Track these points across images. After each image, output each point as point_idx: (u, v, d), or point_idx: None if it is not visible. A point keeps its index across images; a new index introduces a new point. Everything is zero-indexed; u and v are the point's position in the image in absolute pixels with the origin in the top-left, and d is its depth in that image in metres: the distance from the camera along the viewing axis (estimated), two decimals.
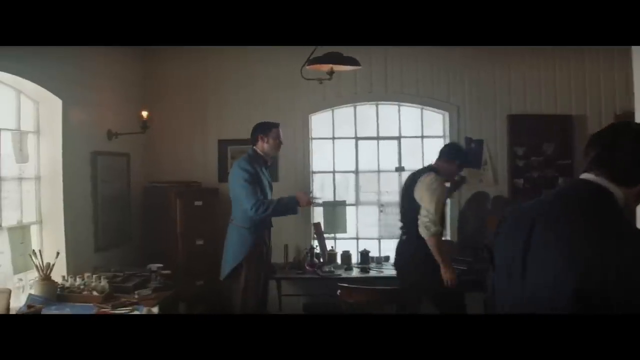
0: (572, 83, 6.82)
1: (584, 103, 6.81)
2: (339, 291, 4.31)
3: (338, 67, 4.88)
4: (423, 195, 4.72)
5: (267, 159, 4.98)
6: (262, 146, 4.91)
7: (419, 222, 4.70)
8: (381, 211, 6.85)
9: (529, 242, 1.82)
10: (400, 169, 6.82)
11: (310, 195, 5.13)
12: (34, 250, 4.38)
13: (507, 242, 2.01)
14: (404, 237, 4.95)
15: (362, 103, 6.92)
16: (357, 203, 6.89)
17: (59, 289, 4.43)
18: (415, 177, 4.92)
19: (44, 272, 4.32)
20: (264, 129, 4.90)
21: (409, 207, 4.86)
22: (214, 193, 6.25)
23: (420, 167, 6.70)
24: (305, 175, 6.74)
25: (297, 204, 4.85)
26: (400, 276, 5.07)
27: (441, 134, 6.94)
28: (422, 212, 4.69)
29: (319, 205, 6.79)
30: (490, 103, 6.80)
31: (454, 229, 6.72)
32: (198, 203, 5.95)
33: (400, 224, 5.11)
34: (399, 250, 5.06)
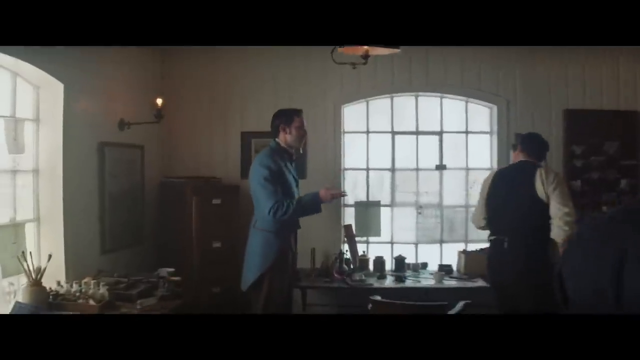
0: (638, 76, 6.07)
1: None
2: (369, 305, 3.86)
3: (374, 50, 4.25)
4: (557, 189, 4.17)
5: (292, 152, 4.34)
6: (285, 138, 4.27)
7: (553, 222, 4.10)
8: (419, 213, 6.24)
9: (623, 259, 1.40)
10: (441, 167, 6.19)
11: (336, 191, 4.39)
12: (22, 251, 3.87)
13: (588, 261, 1.52)
14: (506, 245, 4.25)
15: (400, 94, 6.33)
16: (392, 204, 6.31)
17: (51, 296, 3.92)
18: (524, 170, 4.36)
19: (34, 276, 3.81)
20: (285, 117, 4.26)
21: (520, 206, 4.26)
22: (235, 191, 5.68)
23: (464, 164, 6.21)
24: (335, 172, 6.17)
25: (319, 201, 4.19)
26: (505, 293, 4.34)
27: (487, 129, 6.28)
28: (557, 209, 4.10)
29: (350, 205, 6.20)
30: (544, 96, 6.12)
31: None
32: (216, 201, 5.40)
33: (476, 229, 4.85)
34: (501, 259, 4.31)
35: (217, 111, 6.20)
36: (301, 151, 4.50)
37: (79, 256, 4.52)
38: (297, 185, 4.38)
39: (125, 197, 5.27)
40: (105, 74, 5.02)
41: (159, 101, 5.17)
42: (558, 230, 4.06)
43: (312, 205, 4.16)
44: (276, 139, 4.29)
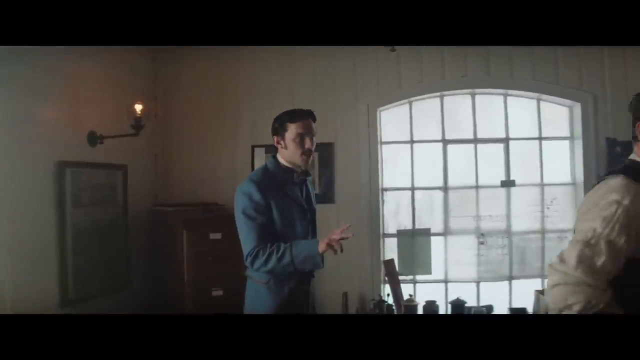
0: None
1: None
2: None
3: None
4: None
5: (297, 170, 3.03)
6: (283, 153, 3.04)
7: None
8: (481, 243, 4.96)
9: None
10: (508, 183, 4.86)
11: (337, 235, 2.76)
12: None
13: None
14: None
15: (453, 92, 5.01)
16: (445, 232, 4.99)
17: None
18: None
19: None
20: (278, 125, 3.03)
21: None
22: None
23: (538, 179, 4.89)
24: (372, 193, 4.87)
25: (317, 254, 2.77)
26: None
27: (566, 134, 4.91)
28: None
29: (391, 235, 4.92)
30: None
31: None
32: (215, 236, 4.12)
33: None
34: None
35: (223, 119, 4.99)
36: (310, 175, 3.14)
37: (29, 310, 3.30)
38: (308, 216, 3.07)
39: (102, 231, 4.07)
40: (71, 72, 3.85)
41: (138, 107, 3.96)
42: None
43: (306, 258, 2.77)
44: (276, 155, 3.09)
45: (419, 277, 4.98)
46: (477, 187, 4.96)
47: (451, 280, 4.97)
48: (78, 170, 3.86)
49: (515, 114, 4.97)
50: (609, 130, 4.70)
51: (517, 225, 4.95)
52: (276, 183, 2.94)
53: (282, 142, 2.99)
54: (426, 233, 4.95)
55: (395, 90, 4.92)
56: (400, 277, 4.80)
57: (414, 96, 4.98)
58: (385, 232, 4.98)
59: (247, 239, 2.85)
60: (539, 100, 4.94)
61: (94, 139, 4.05)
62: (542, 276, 4.87)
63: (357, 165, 4.87)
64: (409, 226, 4.99)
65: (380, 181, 4.93)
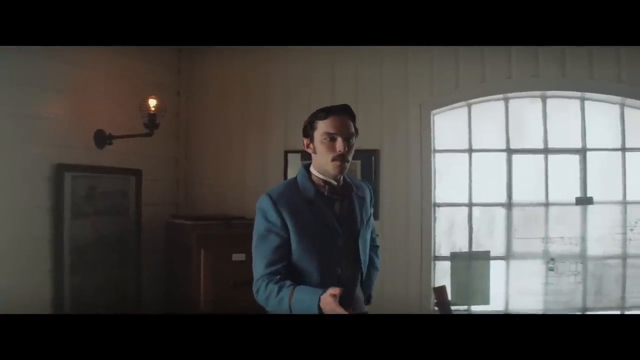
0: None
1: None
2: None
3: None
4: None
5: (334, 184, 2.43)
6: (313, 159, 2.46)
7: None
8: (551, 269, 4.31)
9: None
10: (584, 200, 4.21)
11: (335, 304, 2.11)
12: None
13: None
14: None
15: (519, 95, 4.34)
16: (508, 256, 4.34)
17: None
18: None
19: None
20: (308, 123, 2.45)
21: None
22: None
23: (620, 196, 4.22)
24: (422, 209, 4.22)
25: (316, 310, 2.18)
26: None
27: None
28: None
29: (443, 257, 4.30)
30: None
31: None
32: (239, 257, 3.49)
33: None
34: None
35: (253, 120, 4.41)
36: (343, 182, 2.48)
37: None
38: (341, 242, 2.42)
39: (108, 246, 3.52)
40: (79, 61, 3.33)
41: (152, 103, 3.39)
42: None
43: (305, 310, 2.20)
44: (309, 164, 2.51)
45: (474, 308, 4.33)
46: (547, 204, 4.30)
47: (512, 313, 4.28)
48: (80, 175, 3.31)
49: (595, 120, 4.30)
50: None
51: (594, 250, 4.30)
52: (302, 198, 2.39)
53: (311, 145, 2.41)
54: (485, 256, 4.31)
55: (452, 90, 4.27)
56: (453, 307, 4.14)
57: (474, 98, 4.32)
58: (437, 254, 4.34)
59: (255, 265, 2.39)
60: (622, 105, 4.26)
61: (102, 139, 3.51)
62: (622, 308, 4.18)
63: (406, 176, 4.24)
64: (465, 248, 4.35)
65: (432, 195, 4.28)
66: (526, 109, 4.38)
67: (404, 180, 4.24)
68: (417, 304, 4.18)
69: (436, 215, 4.33)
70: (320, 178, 2.40)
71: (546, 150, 4.30)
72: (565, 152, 4.29)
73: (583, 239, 4.28)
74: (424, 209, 4.22)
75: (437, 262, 4.34)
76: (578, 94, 4.26)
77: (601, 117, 4.31)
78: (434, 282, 4.27)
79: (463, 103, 4.35)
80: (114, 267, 3.61)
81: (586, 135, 4.28)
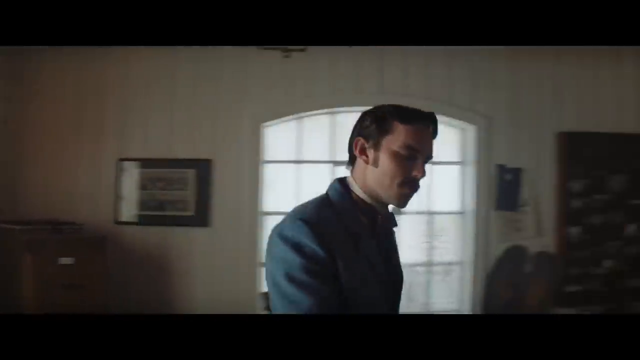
0: None
1: None
2: None
3: None
4: None
5: (380, 210, 1.76)
6: (363, 173, 1.72)
7: None
8: None
9: None
10: (396, 211, 4.49)
11: None
12: None
13: None
14: None
15: (345, 109, 4.63)
16: None
17: None
18: None
19: None
20: (374, 120, 1.71)
21: None
22: (99, 244, 3.84)
23: (425, 207, 4.61)
24: (251, 218, 4.42)
25: None
26: None
27: (457, 158, 4.68)
28: None
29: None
30: (533, 114, 4.57)
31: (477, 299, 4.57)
32: (67, 260, 3.53)
33: None
34: None
35: (86, 126, 4.40)
36: (400, 210, 1.82)
37: None
38: (390, 291, 1.87)
39: None
40: None
41: None
42: None
43: None
44: (346, 179, 1.79)
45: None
46: None
47: None
48: None
49: None
50: (500, 156, 4.51)
51: (404, 258, 4.57)
52: (344, 228, 1.66)
53: (370, 152, 1.69)
54: None
55: (284, 103, 4.51)
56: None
57: (304, 111, 4.59)
58: (263, 262, 4.53)
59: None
60: None
61: None
62: (427, 312, 4.60)
63: (236, 186, 4.42)
64: None
65: (259, 204, 4.48)
66: (351, 123, 4.67)
67: (234, 190, 4.41)
68: (245, 309, 4.37)
69: (265, 223, 4.55)
70: (365, 201, 1.71)
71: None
72: None
73: None
74: (253, 217, 4.43)
75: (262, 269, 4.54)
76: None
77: None
78: (262, 288, 4.49)
79: (294, 116, 4.59)
80: None
81: None
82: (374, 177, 1.67)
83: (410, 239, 4.64)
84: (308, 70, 4.43)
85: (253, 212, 4.43)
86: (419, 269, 4.68)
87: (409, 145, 1.63)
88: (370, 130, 1.68)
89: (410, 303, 4.62)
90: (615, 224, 4.67)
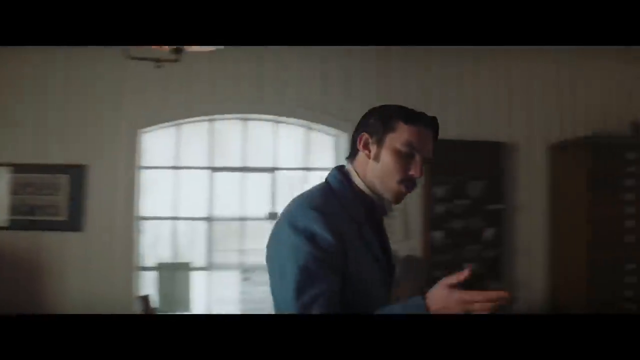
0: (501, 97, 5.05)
1: (519, 126, 5.06)
2: None
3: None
4: None
5: (379, 202, 1.79)
6: (364, 166, 1.77)
7: None
8: (246, 279, 4.70)
9: None
10: (274, 215, 4.67)
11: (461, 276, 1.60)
12: None
13: None
14: None
15: (223, 117, 4.74)
16: (209, 266, 4.69)
17: None
18: None
19: None
20: (379, 117, 1.77)
21: None
22: None
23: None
24: (126, 223, 4.42)
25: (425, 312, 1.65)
26: None
27: (332, 164, 4.87)
28: None
29: (149, 268, 4.48)
30: None
31: None
32: None
33: None
34: None
35: None
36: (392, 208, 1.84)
37: None
38: (389, 280, 1.86)
39: None
40: None
41: None
42: None
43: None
44: (346, 168, 1.83)
45: (178, 315, 4.56)
46: (243, 219, 4.74)
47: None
48: None
49: (285, 143, 4.84)
50: None
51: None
52: (348, 216, 1.73)
53: (373, 148, 1.75)
54: (186, 267, 4.63)
55: (161, 111, 4.52)
56: (158, 315, 4.38)
57: (182, 118, 4.64)
58: (143, 264, 4.54)
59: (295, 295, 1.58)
60: (308, 128, 4.87)
61: None
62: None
63: (112, 190, 4.40)
64: (169, 259, 4.62)
65: (136, 208, 4.48)
66: (229, 131, 4.77)
67: (111, 194, 4.38)
68: (122, 311, 4.32)
69: (141, 227, 4.53)
70: (363, 191, 1.77)
71: (244, 169, 4.74)
72: (259, 171, 4.76)
73: None
74: (129, 221, 4.41)
75: (143, 272, 4.53)
76: (272, 116, 4.74)
77: (290, 139, 4.83)
78: (137, 291, 4.46)
79: (172, 123, 4.62)
80: None
81: (278, 155, 4.78)
82: (374, 171, 1.73)
83: None
84: (185, 78, 4.47)
85: (129, 216, 4.41)
86: None
87: (410, 144, 1.71)
88: (375, 126, 1.74)
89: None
90: (474, 229, 5.03)
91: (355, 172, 1.76)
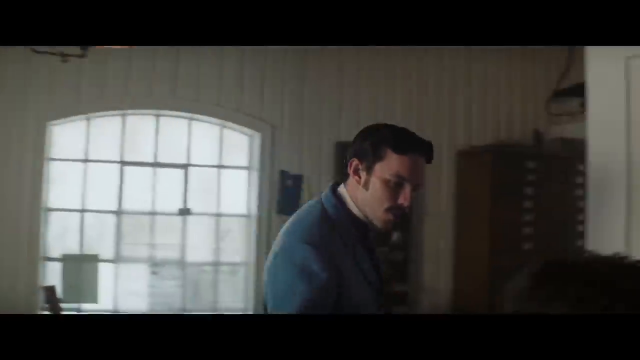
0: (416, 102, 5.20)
1: (428, 131, 5.12)
2: None
3: None
4: None
5: (369, 225, 1.82)
6: (355, 191, 1.79)
7: None
8: (154, 273, 4.73)
9: None
10: (185, 211, 4.74)
11: None
12: None
13: None
14: None
15: (136, 112, 4.75)
16: (116, 259, 4.68)
17: None
18: None
19: None
20: (370, 144, 1.76)
21: None
22: None
23: (215, 209, 4.84)
24: (33, 214, 4.39)
25: None
26: None
27: (245, 163, 4.95)
28: None
29: (55, 259, 4.49)
30: (315, 122, 4.94)
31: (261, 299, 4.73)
32: None
33: None
34: None
35: None
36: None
37: None
38: (377, 294, 1.86)
39: None
40: None
41: None
42: None
43: None
44: (338, 190, 1.83)
45: (84, 306, 4.55)
46: (153, 213, 4.74)
47: (120, 312, 4.64)
48: None
49: (198, 140, 4.86)
50: (283, 162, 4.84)
51: (192, 256, 4.80)
52: (343, 243, 1.74)
53: (363, 175, 1.74)
54: (94, 259, 4.60)
55: (72, 104, 4.50)
56: (63, 305, 4.36)
57: (93, 112, 4.61)
58: (48, 255, 4.51)
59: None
60: (222, 127, 4.91)
61: None
62: (215, 311, 4.78)
63: (19, 181, 4.35)
64: (77, 251, 4.58)
65: (44, 200, 4.45)
66: (141, 126, 4.76)
67: (16, 186, 4.33)
68: (24, 303, 4.31)
69: (48, 218, 4.51)
70: (356, 216, 1.78)
71: (155, 164, 4.74)
72: (171, 167, 4.77)
73: (183, 246, 4.75)
74: (35, 213, 4.39)
75: (48, 263, 4.50)
76: (187, 113, 4.78)
77: (204, 136, 4.87)
78: (43, 281, 4.43)
79: (82, 116, 4.59)
80: None
81: (191, 152, 4.81)
82: (363, 198, 1.74)
83: (198, 239, 4.83)
84: (96, 73, 4.45)
85: (35, 208, 4.38)
86: (206, 268, 4.88)
87: (399, 175, 1.69)
88: (365, 153, 1.73)
89: (199, 300, 4.82)
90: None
91: (348, 195, 1.77)
